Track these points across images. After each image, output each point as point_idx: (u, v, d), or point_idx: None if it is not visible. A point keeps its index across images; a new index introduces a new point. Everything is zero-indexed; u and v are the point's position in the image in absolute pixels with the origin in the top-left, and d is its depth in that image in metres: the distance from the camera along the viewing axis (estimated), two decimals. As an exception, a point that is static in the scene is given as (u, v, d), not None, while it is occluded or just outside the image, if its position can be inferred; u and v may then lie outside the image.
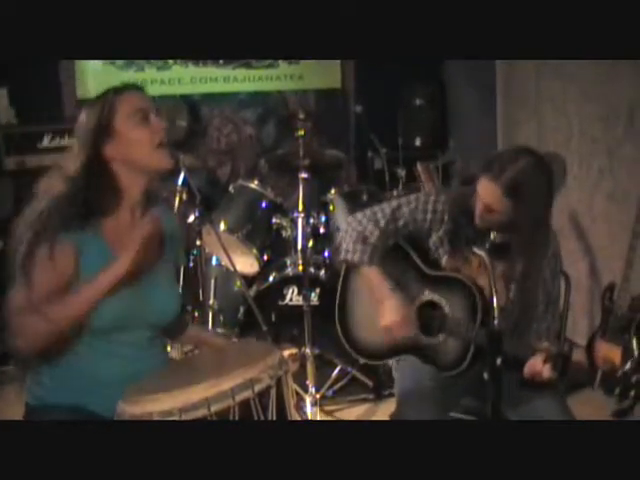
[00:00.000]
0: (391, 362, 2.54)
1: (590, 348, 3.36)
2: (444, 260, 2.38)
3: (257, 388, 1.62)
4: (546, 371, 2.13)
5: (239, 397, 1.59)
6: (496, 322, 1.84)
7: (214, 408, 1.57)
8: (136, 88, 1.96)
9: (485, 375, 1.86)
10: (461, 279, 2.32)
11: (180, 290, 3.80)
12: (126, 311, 1.85)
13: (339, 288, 2.56)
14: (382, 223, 2.39)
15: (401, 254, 2.44)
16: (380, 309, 2.34)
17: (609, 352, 3.24)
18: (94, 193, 1.85)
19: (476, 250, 2.03)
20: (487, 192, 2.20)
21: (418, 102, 5.18)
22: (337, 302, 2.56)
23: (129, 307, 1.86)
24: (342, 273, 2.56)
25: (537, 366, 2.14)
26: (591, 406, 3.15)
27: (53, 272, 1.78)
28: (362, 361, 2.69)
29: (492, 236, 2.14)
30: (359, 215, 2.47)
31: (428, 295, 2.36)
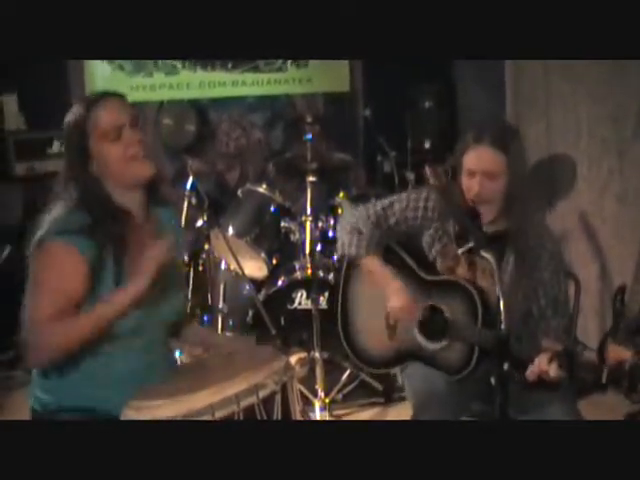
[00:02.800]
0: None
1: (601, 351, 3.33)
2: (438, 262, 2.38)
3: (262, 394, 1.62)
4: (552, 370, 2.10)
5: (244, 403, 1.59)
6: (503, 326, 1.83)
7: (218, 414, 1.57)
8: (109, 100, 1.90)
9: (492, 380, 1.84)
10: (459, 282, 2.32)
11: (189, 293, 3.83)
12: (145, 316, 1.87)
13: (340, 293, 2.56)
14: (373, 218, 2.41)
15: (396, 261, 2.44)
16: (386, 293, 2.35)
17: (620, 355, 3.22)
18: (95, 217, 1.85)
19: (484, 253, 2.02)
20: (484, 158, 2.22)
21: (427, 104, 5.15)
22: (339, 308, 2.56)
23: (147, 312, 1.87)
24: (342, 278, 2.57)
25: (542, 365, 2.11)
26: (604, 409, 3.12)
27: (63, 282, 1.79)
28: (367, 370, 2.72)
29: (483, 228, 2.16)
30: (353, 210, 2.51)
31: (428, 301, 2.35)
